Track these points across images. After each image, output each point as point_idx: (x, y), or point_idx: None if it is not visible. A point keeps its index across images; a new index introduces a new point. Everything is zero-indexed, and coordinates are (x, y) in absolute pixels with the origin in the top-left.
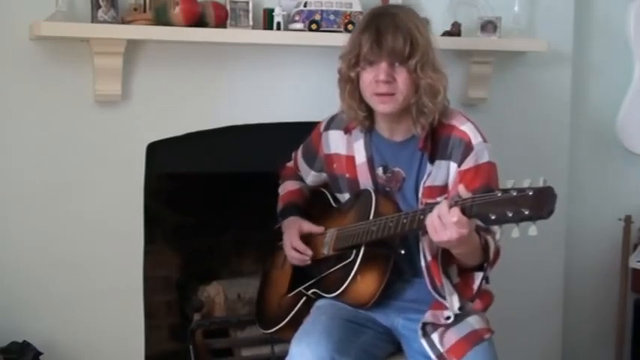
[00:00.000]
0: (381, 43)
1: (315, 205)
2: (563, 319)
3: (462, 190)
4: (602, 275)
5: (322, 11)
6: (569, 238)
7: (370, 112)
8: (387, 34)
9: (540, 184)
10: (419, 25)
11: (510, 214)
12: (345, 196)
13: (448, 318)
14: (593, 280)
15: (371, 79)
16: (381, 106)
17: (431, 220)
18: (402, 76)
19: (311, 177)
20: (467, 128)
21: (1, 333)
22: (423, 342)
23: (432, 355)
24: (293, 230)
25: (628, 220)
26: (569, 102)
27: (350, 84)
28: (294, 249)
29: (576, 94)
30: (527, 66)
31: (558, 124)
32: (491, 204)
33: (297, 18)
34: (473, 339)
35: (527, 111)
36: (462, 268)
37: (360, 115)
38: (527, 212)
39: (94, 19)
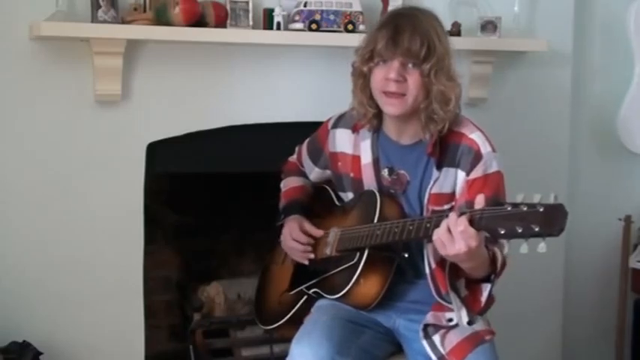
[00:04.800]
0: (397, 41)
1: (318, 202)
2: (563, 319)
3: (479, 200)
4: (602, 275)
5: (322, 11)
6: (569, 238)
7: (379, 111)
8: (404, 33)
9: (551, 200)
10: (438, 30)
11: (520, 230)
12: (348, 196)
13: (450, 320)
14: (593, 280)
15: (382, 76)
16: (387, 107)
17: (439, 235)
18: (413, 78)
19: (314, 173)
20: (476, 137)
21: (1, 333)
22: (425, 343)
23: (434, 357)
24: (293, 223)
25: (628, 220)
26: (569, 102)
27: (362, 79)
28: (294, 240)
29: (576, 94)
30: (527, 66)
31: (558, 124)
32: (501, 218)
33: (297, 18)
34: (474, 340)
35: (527, 111)
36: (469, 279)
37: (369, 112)
38: (537, 229)
39: (94, 19)
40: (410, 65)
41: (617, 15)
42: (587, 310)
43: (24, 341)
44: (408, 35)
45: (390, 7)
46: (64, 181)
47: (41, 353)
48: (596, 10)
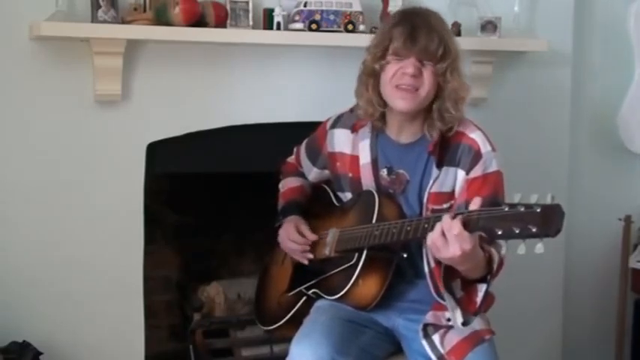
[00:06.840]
0: (415, 38)
1: (317, 202)
2: (563, 319)
3: (475, 202)
4: (602, 275)
5: (322, 11)
6: (569, 238)
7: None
8: (421, 31)
9: (548, 200)
10: (449, 31)
11: (517, 231)
12: (347, 196)
13: (449, 319)
14: (593, 279)
15: (396, 70)
16: (400, 102)
17: (433, 240)
18: (428, 74)
19: (313, 174)
20: (476, 136)
21: (1, 333)
22: (424, 343)
23: (433, 357)
24: (289, 225)
25: (628, 220)
26: (569, 102)
27: (373, 77)
28: (292, 241)
29: (576, 94)
30: (527, 66)
31: (558, 124)
32: (498, 219)
33: (297, 18)
34: (474, 340)
35: (527, 111)
36: (465, 280)
37: (377, 112)
38: (534, 230)
39: (94, 19)
40: (425, 63)
41: (617, 15)
42: (587, 310)
43: (24, 341)
44: (425, 34)
45: (390, 8)
46: (64, 180)
47: (41, 353)
48: (596, 10)
